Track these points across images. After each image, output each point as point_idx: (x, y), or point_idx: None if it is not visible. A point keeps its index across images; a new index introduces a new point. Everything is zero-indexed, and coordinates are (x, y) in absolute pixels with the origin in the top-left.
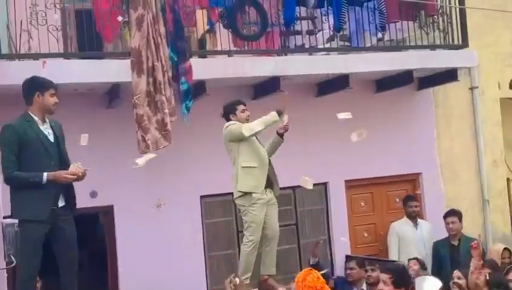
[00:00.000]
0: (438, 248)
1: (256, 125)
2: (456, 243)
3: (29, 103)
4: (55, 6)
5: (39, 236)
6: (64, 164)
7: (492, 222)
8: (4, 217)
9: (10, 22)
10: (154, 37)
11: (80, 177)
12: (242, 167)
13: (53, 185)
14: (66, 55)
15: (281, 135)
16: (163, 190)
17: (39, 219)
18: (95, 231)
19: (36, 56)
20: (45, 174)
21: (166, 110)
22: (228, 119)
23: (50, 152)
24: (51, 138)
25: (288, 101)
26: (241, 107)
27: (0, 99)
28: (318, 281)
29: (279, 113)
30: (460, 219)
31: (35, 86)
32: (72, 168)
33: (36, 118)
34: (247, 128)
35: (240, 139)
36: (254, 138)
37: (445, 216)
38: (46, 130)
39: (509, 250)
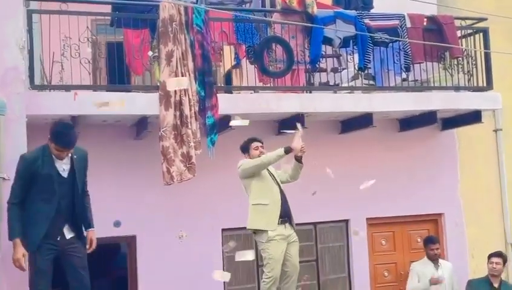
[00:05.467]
0: (478, 286)
1: (256, 159)
2: (496, 284)
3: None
4: (88, 39)
5: (46, 265)
6: (76, 194)
7: None
8: None
9: (43, 53)
10: (182, 72)
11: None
12: (253, 204)
13: (58, 219)
14: (96, 87)
15: (298, 160)
16: (185, 221)
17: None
18: (118, 259)
19: (67, 88)
20: (17, 239)
21: (192, 144)
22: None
23: (55, 190)
24: (65, 174)
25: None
26: (254, 144)
27: (33, 129)
28: None
29: (287, 151)
30: (504, 262)
31: (50, 133)
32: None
33: (53, 154)
34: (249, 162)
35: (248, 175)
36: (267, 174)
37: (491, 256)
38: (62, 166)
39: None
